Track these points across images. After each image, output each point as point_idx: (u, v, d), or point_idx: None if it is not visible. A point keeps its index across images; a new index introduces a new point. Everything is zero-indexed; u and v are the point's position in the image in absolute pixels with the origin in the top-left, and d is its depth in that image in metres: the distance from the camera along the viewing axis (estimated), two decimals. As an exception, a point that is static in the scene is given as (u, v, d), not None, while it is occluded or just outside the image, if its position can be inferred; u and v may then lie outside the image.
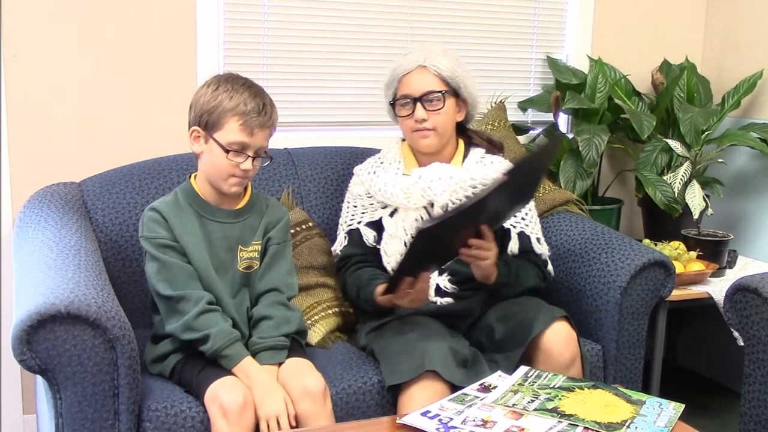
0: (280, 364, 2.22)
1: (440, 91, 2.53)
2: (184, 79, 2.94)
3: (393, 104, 2.60)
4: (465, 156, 2.64)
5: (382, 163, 2.66)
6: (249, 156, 2.23)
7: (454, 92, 2.56)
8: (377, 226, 2.61)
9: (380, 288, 2.42)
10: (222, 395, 2.05)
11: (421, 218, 2.51)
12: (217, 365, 2.16)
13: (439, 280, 2.52)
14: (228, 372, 2.14)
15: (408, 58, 2.58)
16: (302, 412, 2.12)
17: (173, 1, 2.92)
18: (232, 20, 3.03)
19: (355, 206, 2.65)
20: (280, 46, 3.14)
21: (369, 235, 2.61)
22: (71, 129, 2.85)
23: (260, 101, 2.24)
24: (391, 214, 2.59)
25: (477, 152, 2.65)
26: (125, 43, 2.88)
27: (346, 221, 2.66)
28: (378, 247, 2.60)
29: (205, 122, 2.22)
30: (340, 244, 2.66)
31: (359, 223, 2.62)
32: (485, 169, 2.59)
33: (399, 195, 2.54)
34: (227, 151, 2.21)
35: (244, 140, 2.21)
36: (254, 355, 2.20)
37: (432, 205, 2.54)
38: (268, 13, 3.10)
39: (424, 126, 2.53)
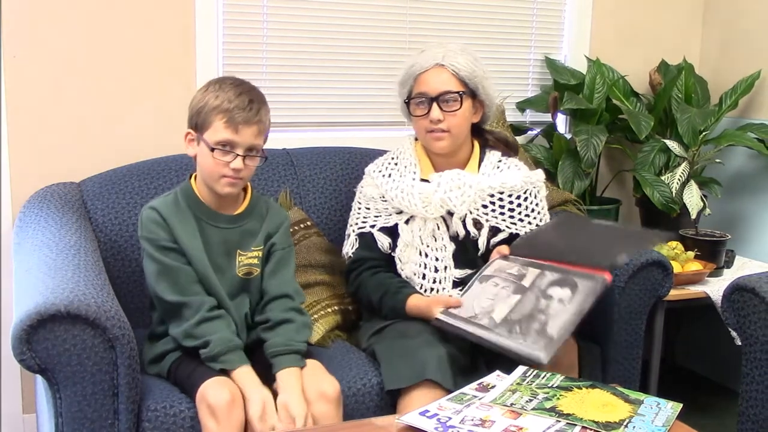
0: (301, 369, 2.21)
1: (458, 92, 2.48)
2: (184, 80, 2.95)
3: (408, 102, 2.55)
4: (480, 159, 2.61)
5: (396, 164, 2.61)
6: (238, 155, 2.20)
7: (472, 93, 2.52)
8: (391, 231, 2.57)
9: (422, 302, 2.42)
10: (209, 395, 2.05)
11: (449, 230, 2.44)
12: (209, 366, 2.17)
13: (452, 292, 2.51)
14: (218, 372, 2.14)
15: (425, 55, 2.51)
16: (316, 414, 2.13)
17: (172, 4, 2.92)
18: (231, 20, 3.04)
19: (368, 208, 2.60)
20: (280, 47, 3.15)
21: (384, 242, 2.56)
22: (71, 129, 2.85)
23: (246, 98, 2.21)
24: (407, 221, 2.55)
25: (493, 156, 2.62)
26: (124, 44, 2.88)
27: (357, 222, 2.61)
28: (391, 253, 2.57)
29: (195, 123, 2.23)
30: (351, 246, 2.61)
31: (372, 227, 2.58)
32: (503, 175, 2.56)
33: (418, 204, 2.50)
34: (212, 150, 2.19)
35: (229, 138, 2.19)
36: (278, 356, 2.19)
37: (451, 214, 2.52)
38: (267, 13, 3.10)
39: (439, 127, 2.48)
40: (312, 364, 2.25)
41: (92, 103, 2.87)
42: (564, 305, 2.17)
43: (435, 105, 2.47)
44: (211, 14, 2.97)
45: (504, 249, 2.44)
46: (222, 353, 2.15)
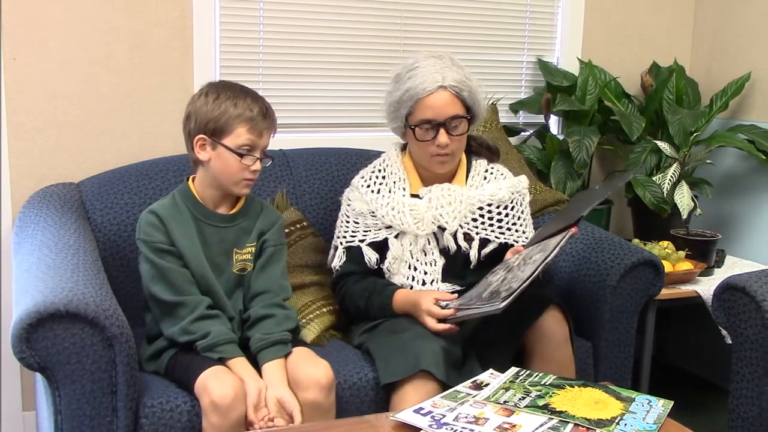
0: (286, 356, 2.24)
1: (465, 116, 2.46)
2: (181, 82, 2.96)
3: (413, 128, 2.47)
4: (468, 169, 2.61)
5: (384, 178, 2.59)
6: (257, 158, 2.29)
7: (470, 110, 2.48)
8: (379, 244, 2.56)
9: (416, 299, 2.41)
10: (212, 389, 2.06)
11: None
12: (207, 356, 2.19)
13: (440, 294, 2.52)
14: (216, 362, 2.16)
15: (423, 76, 2.43)
16: (309, 400, 2.15)
17: (170, 6, 2.93)
18: (227, 24, 3.05)
19: (357, 223, 2.57)
20: (276, 50, 3.16)
21: (372, 257, 2.55)
22: (70, 131, 2.86)
23: (262, 105, 2.30)
24: (397, 236, 2.54)
25: (480, 165, 2.63)
26: (123, 47, 2.89)
27: (345, 236, 2.59)
28: (377, 267, 2.57)
29: (212, 130, 2.26)
30: (338, 260, 2.59)
31: (361, 241, 2.56)
32: (491, 187, 2.57)
33: (409, 222, 2.50)
34: (241, 156, 2.26)
35: (253, 142, 2.27)
36: (260, 351, 2.22)
37: (442, 229, 2.52)
38: (263, 16, 3.11)
39: (444, 151, 2.46)
40: (303, 351, 2.28)
41: (91, 105, 2.88)
42: (536, 263, 2.20)
43: (443, 130, 2.44)
44: (209, 18, 2.99)
45: (519, 248, 2.46)
46: (219, 343, 2.18)
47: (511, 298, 2.13)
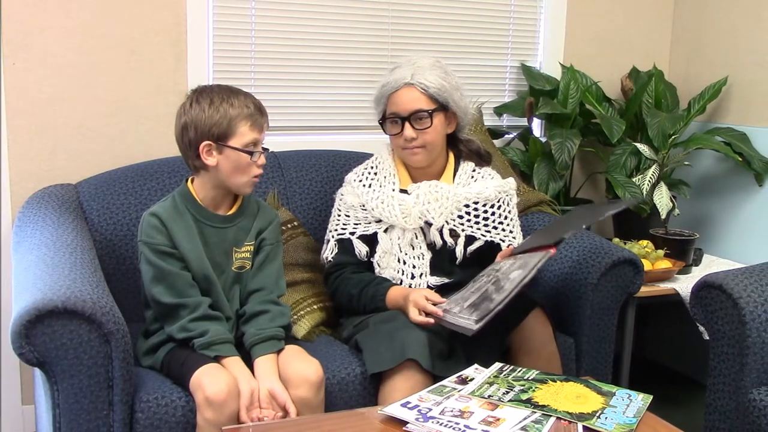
0: (278, 352, 2.26)
1: (427, 110, 2.52)
2: (176, 86, 2.99)
3: (383, 122, 2.60)
4: (455, 169, 2.65)
5: (375, 174, 2.65)
6: (261, 152, 2.32)
7: (443, 107, 2.56)
8: (369, 238, 2.61)
9: (409, 294, 2.43)
10: (206, 385, 2.08)
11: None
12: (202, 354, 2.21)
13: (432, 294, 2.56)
14: (211, 359, 2.18)
15: (395, 74, 2.55)
16: (299, 397, 2.17)
17: (165, 13, 2.96)
18: (220, 29, 3.08)
19: (348, 216, 2.64)
20: (267, 54, 3.19)
21: (362, 250, 2.60)
22: (68, 134, 2.89)
23: (254, 100, 2.33)
24: (386, 230, 2.59)
25: (468, 165, 2.67)
26: (120, 52, 2.92)
27: (336, 229, 2.65)
28: (368, 260, 2.61)
29: (216, 134, 2.27)
30: (331, 251, 2.65)
31: (352, 234, 2.62)
32: (478, 185, 2.61)
33: (397, 215, 2.54)
34: (251, 153, 2.29)
35: (256, 137, 2.30)
36: (253, 346, 2.25)
37: (429, 224, 2.57)
38: (255, 22, 3.14)
39: (413, 144, 2.53)
40: (294, 349, 2.30)
41: (88, 109, 2.90)
42: (513, 282, 2.24)
43: (407, 124, 2.52)
44: (202, 24, 3.02)
45: (506, 252, 2.49)
46: (216, 342, 2.20)
47: (484, 320, 2.17)
